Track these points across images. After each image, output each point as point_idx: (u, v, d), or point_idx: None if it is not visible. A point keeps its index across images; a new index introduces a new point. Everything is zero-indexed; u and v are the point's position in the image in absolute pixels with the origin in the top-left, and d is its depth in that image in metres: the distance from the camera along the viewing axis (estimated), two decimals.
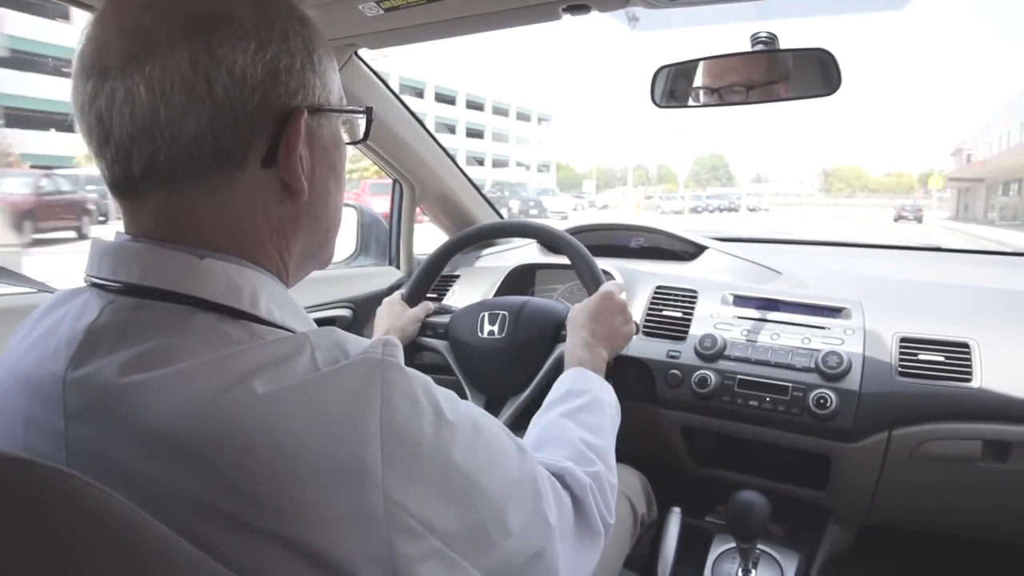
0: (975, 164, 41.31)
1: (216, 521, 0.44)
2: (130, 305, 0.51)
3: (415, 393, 0.51)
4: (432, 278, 1.41)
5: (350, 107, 0.63)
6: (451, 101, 48.38)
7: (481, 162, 51.59)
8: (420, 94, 42.88)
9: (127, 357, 0.48)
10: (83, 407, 0.48)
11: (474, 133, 51.73)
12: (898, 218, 33.98)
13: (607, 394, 0.94)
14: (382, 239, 1.95)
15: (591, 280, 1.21)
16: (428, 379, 0.54)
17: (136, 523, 0.40)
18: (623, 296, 1.16)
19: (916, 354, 1.26)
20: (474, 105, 51.55)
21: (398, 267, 1.92)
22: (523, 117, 59.10)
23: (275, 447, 0.45)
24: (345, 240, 1.88)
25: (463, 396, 1.25)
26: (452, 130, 46.97)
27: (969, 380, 1.21)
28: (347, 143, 0.65)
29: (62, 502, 0.38)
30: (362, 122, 0.67)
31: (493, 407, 1.24)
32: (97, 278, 0.54)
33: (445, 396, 0.55)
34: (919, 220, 33.06)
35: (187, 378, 0.46)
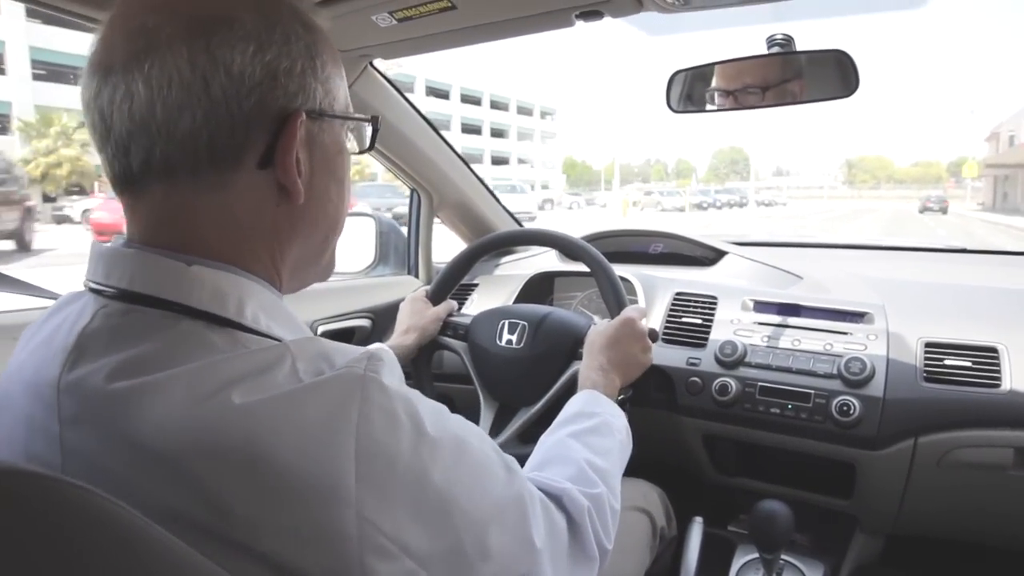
0: (1021, 147, 39.44)
1: (191, 531, 0.44)
2: (121, 310, 0.52)
3: (394, 410, 0.50)
4: (457, 279, 1.41)
5: (355, 115, 0.63)
6: (445, 95, 47.82)
7: (479, 159, 50.85)
8: (410, 89, 42.31)
9: (115, 362, 0.49)
10: (75, 412, 0.49)
11: (470, 129, 50.95)
12: (923, 209, 35.10)
13: (618, 419, 0.93)
14: (401, 248, 1.95)
15: (614, 302, 1.20)
16: (413, 395, 0.53)
17: (140, 530, 0.41)
18: (644, 322, 1.15)
19: (942, 359, 1.24)
20: (470, 99, 50.72)
21: (417, 276, 1.93)
22: (524, 111, 57.51)
23: (249, 460, 0.45)
24: (364, 250, 1.90)
25: (477, 402, 1.26)
26: (447, 126, 46.13)
27: (998, 386, 1.18)
28: (353, 153, 0.64)
29: (66, 512, 0.38)
30: (370, 131, 0.66)
31: (505, 415, 1.24)
32: (93, 283, 0.55)
33: (431, 412, 0.54)
34: (944, 211, 34.08)
35: (168, 386, 0.47)
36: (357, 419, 0.48)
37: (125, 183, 0.54)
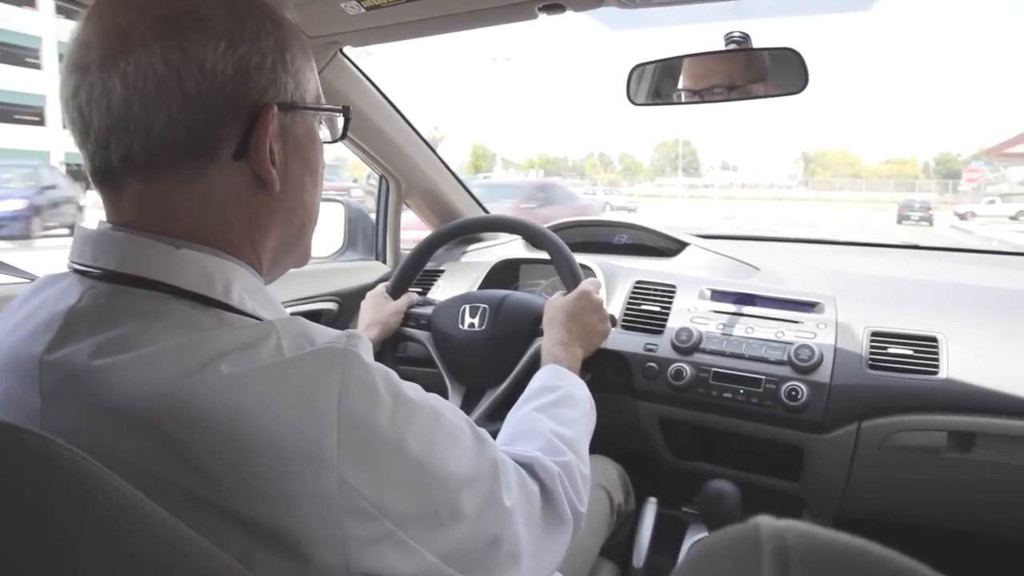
0: None
1: (179, 498, 0.47)
2: (108, 291, 0.54)
3: (373, 382, 0.53)
4: (416, 271, 1.42)
5: (326, 106, 0.66)
6: None
7: None
8: None
9: (101, 341, 0.51)
10: (57, 386, 0.51)
11: None
12: (901, 219, 26.51)
13: (580, 390, 0.96)
14: (369, 234, 1.97)
15: (570, 277, 1.23)
16: (390, 371, 0.57)
17: (110, 486, 0.41)
18: (601, 294, 1.18)
19: (886, 347, 1.29)
20: None
21: (384, 261, 1.95)
22: None
23: (236, 427, 0.47)
24: (332, 235, 1.91)
25: (443, 387, 1.29)
26: None
27: (936, 373, 1.24)
28: (325, 142, 0.67)
29: (38, 464, 0.39)
30: (342, 121, 0.70)
31: (472, 398, 1.26)
32: (79, 264, 0.57)
33: (408, 386, 0.58)
34: (929, 221, 25.98)
35: (156, 361, 0.49)
36: (339, 390, 0.51)
37: (105, 177, 0.56)
